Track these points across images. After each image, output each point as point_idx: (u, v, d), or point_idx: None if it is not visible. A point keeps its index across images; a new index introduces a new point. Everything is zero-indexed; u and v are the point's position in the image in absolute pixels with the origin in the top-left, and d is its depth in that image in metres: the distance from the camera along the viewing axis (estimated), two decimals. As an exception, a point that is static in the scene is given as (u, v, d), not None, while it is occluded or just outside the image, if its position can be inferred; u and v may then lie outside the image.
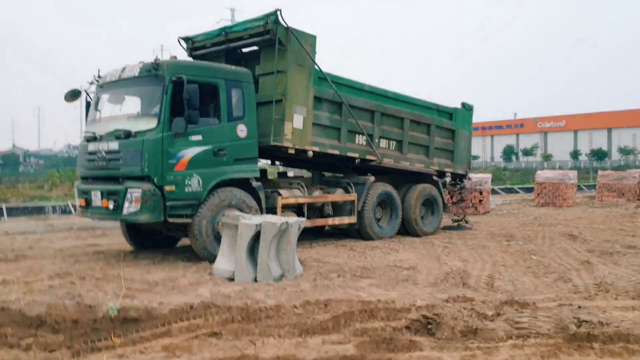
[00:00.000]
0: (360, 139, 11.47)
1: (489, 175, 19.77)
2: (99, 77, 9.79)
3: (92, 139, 9.34)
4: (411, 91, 13.24)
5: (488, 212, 18.85)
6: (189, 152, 8.83)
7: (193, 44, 11.38)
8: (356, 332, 5.41)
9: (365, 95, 11.64)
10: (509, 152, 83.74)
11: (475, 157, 78.37)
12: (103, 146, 9.09)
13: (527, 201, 23.60)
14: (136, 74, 9.02)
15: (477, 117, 16.22)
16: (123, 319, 5.73)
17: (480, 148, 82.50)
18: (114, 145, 8.93)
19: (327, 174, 12.95)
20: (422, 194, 12.55)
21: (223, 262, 7.93)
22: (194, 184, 8.85)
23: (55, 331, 5.55)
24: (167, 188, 8.63)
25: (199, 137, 8.96)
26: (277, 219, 7.77)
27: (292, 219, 8.04)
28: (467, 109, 14.02)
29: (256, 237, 7.68)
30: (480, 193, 18.25)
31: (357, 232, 11.60)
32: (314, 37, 10.44)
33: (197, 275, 7.96)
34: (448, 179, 13.84)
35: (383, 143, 11.97)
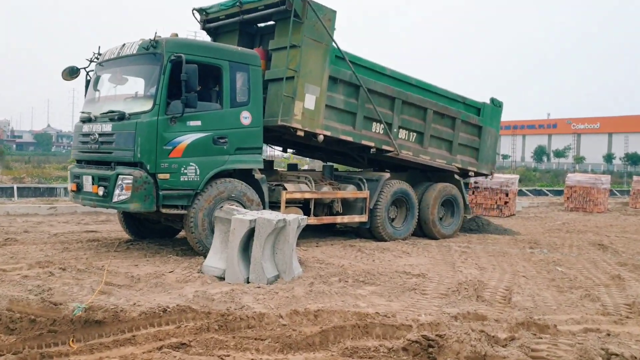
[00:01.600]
0: (378, 127, 10.68)
1: (516, 176, 18.80)
2: (99, 54, 9.19)
3: (87, 120, 8.76)
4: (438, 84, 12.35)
5: (514, 214, 17.91)
6: (187, 138, 8.18)
7: (207, 16, 10.75)
8: (345, 351, 4.71)
9: (386, 79, 10.82)
10: (540, 153, 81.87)
11: (506, 157, 76.75)
12: (97, 128, 8.50)
13: (555, 205, 22.54)
14: (134, 52, 8.39)
15: (509, 116, 15.37)
16: (86, 321, 5.09)
17: (511, 147, 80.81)
18: (107, 127, 8.33)
19: (340, 167, 12.24)
20: (441, 193, 11.73)
21: (214, 260, 7.27)
22: (191, 173, 8.20)
23: (10, 331, 4.95)
24: (161, 176, 7.99)
25: (198, 123, 8.29)
26: (273, 216, 7.08)
27: (291, 216, 7.34)
28: (497, 105, 13.11)
29: (250, 235, 7.01)
30: (506, 194, 17.31)
31: (368, 232, 10.85)
32: (333, 12, 9.68)
33: (187, 272, 7.32)
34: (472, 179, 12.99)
35: (402, 134, 11.17)
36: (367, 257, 9.09)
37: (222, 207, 8.35)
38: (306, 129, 9.53)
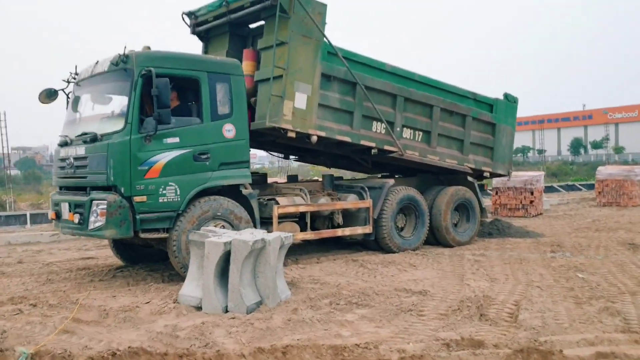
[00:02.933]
0: (379, 127, 9.99)
1: (541, 173, 17.82)
2: (76, 74, 8.74)
3: (64, 143, 8.32)
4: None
5: (541, 214, 16.95)
6: (163, 157, 7.64)
7: (196, 19, 10.28)
8: (309, 396, 4.06)
9: (386, 76, 10.13)
10: (576, 146, 79.52)
11: (540, 152, 74.46)
12: (72, 152, 8.06)
13: (587, 200, 21.39)
14: (105, 69, 7.92)
15: (541, 109, 14.43)
16: (24, 371, 4.57)
17: (541, 141, 78.65)
18: (81, 150, 7.87)
19: (348, 174, 11.59)
20: (454, 197, 10.96)
21: (191, 288, 6.69)
22: (170, 193, 7.66)
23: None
24: (137, 199, 7.46)
25: (175, 140, 7.76)
26: (250, 236, 6.46)
27: (272, 235, 6.72)
28: (511, 101, 12.27)
29: (227, 258, 6.41)
30: (531, 193, 16.36)
31: (375, 244, 10.15)
32: (324, 6, 9.08)
33: (163, 302, 6.75)
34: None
35: (407, 133, 10.44)
36: (369, 272, 8.40)
37: (208, 226, 7.81)
38: (298, 130, 8.91)
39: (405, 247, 10.14)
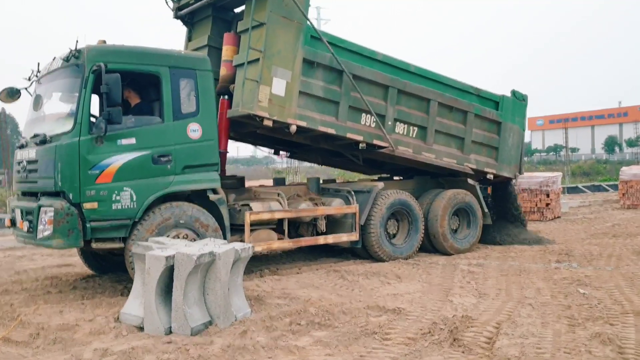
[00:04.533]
0: (368, 120, 9.22)
1: (558, 174, 16.79)
2: (39, 71, 8.20)
3: (20, 146, 7.78)
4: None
5: (558, 217, 15.94)
6: (117, 160, 7.02)
7: (178, 2, 9.73)
8: None
9: (377, 65, 9.37)
10: (611, 144, 77.09)
11: (574, 150, 72.29)
12: (25, 154, 7.51)
13: (610, 202, 20.22)
14: (59, 65, 7.36)
15: (577, 106, 13.38)
16: None
17: (579, 139, 76.42)
18: (32, 153, 7.32)
19: (354, 176, 10.85)
20: (451, 202, 10.13)
21: (134, 306, 6.04)
22: (125, 199, 7.04)
23: None
24: (87, 205, 6.86)
25: (131, 141, 7.13)
26: (194, 249, 5.79)
27: (225, 247, 6.03)
28: (519, 98, 11.36)
29: (171, 274, 5.76)
30: (547, 195, 15.37)
31: (365, 252, 9.40)
32: None
33: (106, 321, 6.12)
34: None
35: (400, 128, 9.65)
36: (348, 285, 7.66)
37: (168, 235, 7.21)
38: (275, 118, 8.22)
39: (397, 256, 9.36)
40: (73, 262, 10.53)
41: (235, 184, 8.89)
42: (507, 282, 7.72)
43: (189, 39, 10.12)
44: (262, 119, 8.13)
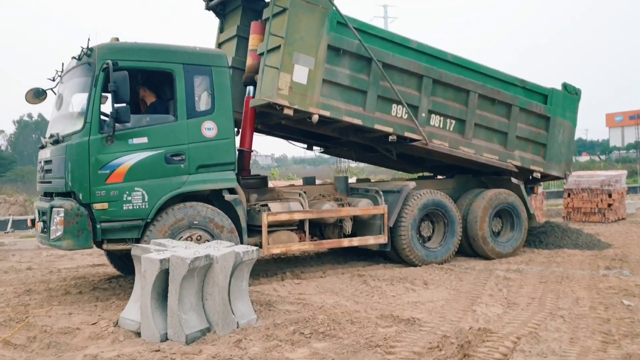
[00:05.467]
0: (399, 111, 8.73)
1: (622, 172, 15.63)
2: (62, 71, 8.20)
3: (41, 146, 7.79)
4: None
5: (622, 219, 14.83)
6: (129, 159, 6.88)
7: None
8: None
9: (411, 54, 8.86)
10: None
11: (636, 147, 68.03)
12: (43, 155, 7.51)
13: (686, 203, 18.73)
14: (75, 64, 7.31)
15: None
16: None
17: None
18: (48, 153, 7.29)
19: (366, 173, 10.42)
20: (492, 202, 9.48)
21: (132, 310, 5.83)
22: (137, 199, 6.88)
23: None
24: (97, 206, 6.74)
25: (143, 140, 6.97)
26: (189, 252, 5.52)
27: (224, 250, 5.74)
28: (571, 92, 10.53)
29: (167, 278, 5.52)
30: (609, 195, 14.31)
31: (396, 255, 8.91)
32: None
33: (107, 325, 5.96)
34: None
35: (435, 120, 9.10)
36: (368, 292, 7.23)
37: (182, 237, 7.02)
38: (295, 107, 7.87)
39: (430, 260, 8.82)
40: (102, 262, 10.59)
41: (258, 184, 8.61)
42: (543, 291, 7.08)
43: (221, 30, 9.99)
44: (282, 107, 7.82)
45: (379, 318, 5.94)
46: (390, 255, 9.03)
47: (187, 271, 5.34)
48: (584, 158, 64.64)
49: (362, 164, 27.71)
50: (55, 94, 8.29)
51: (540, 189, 14.14)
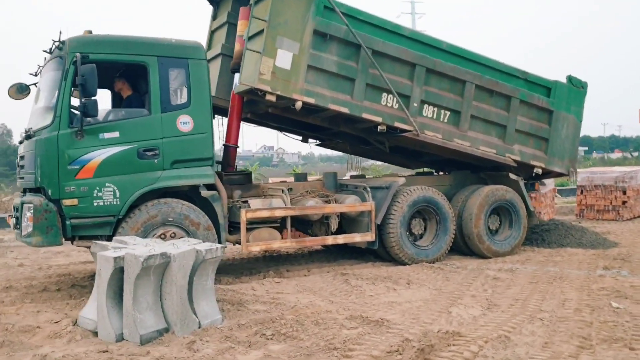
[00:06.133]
0: (390, 100, 8.42)
1: (637, 168, 15.01)
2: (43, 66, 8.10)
3: (20, 142, 7.70)
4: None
5: (639, 216, 14.25)
6: (99, 154, 6.72)
7: None
8: None
9: (403, 41, 8.53)
10: None
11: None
12: (19, 150, 7.42)
13: None
14: (49, 58, 7.20)
15: None
16: None
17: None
18: (22, 148, 7.20)
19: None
20: (489, 199, 9.12)
21: (91, 309, 5.66)
22: (107, 195, 6.73)
23: None
24: (67, 202, 6.60)
25: (115, 134, 6.82)
26: (144, 250, 5.33)
27: (183, 248, 5.53)
28: (576, 85, 10.06)
29: (122, 276, 5.34)
30: (624, 192, 13.76)
31: (386, 254, 8.62)
32: None
33: (67, 324, 5.81)
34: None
35: (428, 111, 8.76)
36: (347, 291, 6.96)
37: (156, 234, 6.85)
38: (278, 93, 7.64)
39: (421, 259, 8.51)
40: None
41: (242, 180, 8.39)
42: (531, 292, 6.73)
43: (214, 17, 9.87)
44: (264, 93, 7.59)
45: (347, 319, 5.67)
46: (381, 253, 8.75)
47: (141, 269, 5.15)
48: (617, 155, 63.21)
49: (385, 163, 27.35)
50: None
51: (551, 186, 13.74)
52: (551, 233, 10.25)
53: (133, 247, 5.64)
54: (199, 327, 5.49)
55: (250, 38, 7.85)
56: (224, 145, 8.63)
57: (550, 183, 13.64)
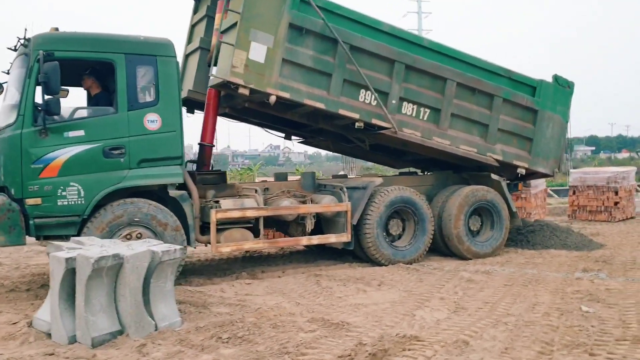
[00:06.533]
0: (367, 97, 8.28)
1: (631, 169, 14.81)
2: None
3: (-12, 140, 7.61)
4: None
5: (631, 217, 14.06)
6: (64, 153, 6.63)
7: None
8: None
9: (382, 37, 8.39)
10: None
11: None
12: (-14, 148, 7.32)
13: None
14: (16, 55, 7.11)
15: None
16: None
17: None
18: (-12, 147, 7.10)
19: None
20: (469, 199, 8.97)
21: (46, 311, 5.57)
22: (72, 195, 6.63)
23: None
24: (30, 201, 6.51)
25: (80, 133, 6.72)
26: (96, 251, 5.22)
27: (137, 249, 5.42)
28: (562, 84, 9.88)
29: (75, 278, 5.24)
30: (616, 193, 13.56)
31: (364, 254, 8.49)
32: None
33: (23, 325, 5.71)
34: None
35: (407, 108, 8.61)
36: (317, 293, 6.84)
37: (122, 235, 6.75)
38: (251, 87, 7.52)
39: (398, 259, 8.37)
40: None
41: (216, 180, 8.28)
42: (503, 295, 6.58)
43: (195, 11, 9.74)
44: (237, 87, 7.48)
45: (308, 321, 5.55)
46: (359, 254, 8.62)
47: (92, 271, 5.04)
48: (624, 155, 62.76)
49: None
50: (11, 87, 8.13)
51: (542, 186, 13.57)
52: (536, 234, 10.09)
53: (88, 248, 5.53)
54: (156, 330, 5.37)
55: (225, 31, 7.77)
56: (199, 144, 8.51)
57: (541, 183, 13.49)
